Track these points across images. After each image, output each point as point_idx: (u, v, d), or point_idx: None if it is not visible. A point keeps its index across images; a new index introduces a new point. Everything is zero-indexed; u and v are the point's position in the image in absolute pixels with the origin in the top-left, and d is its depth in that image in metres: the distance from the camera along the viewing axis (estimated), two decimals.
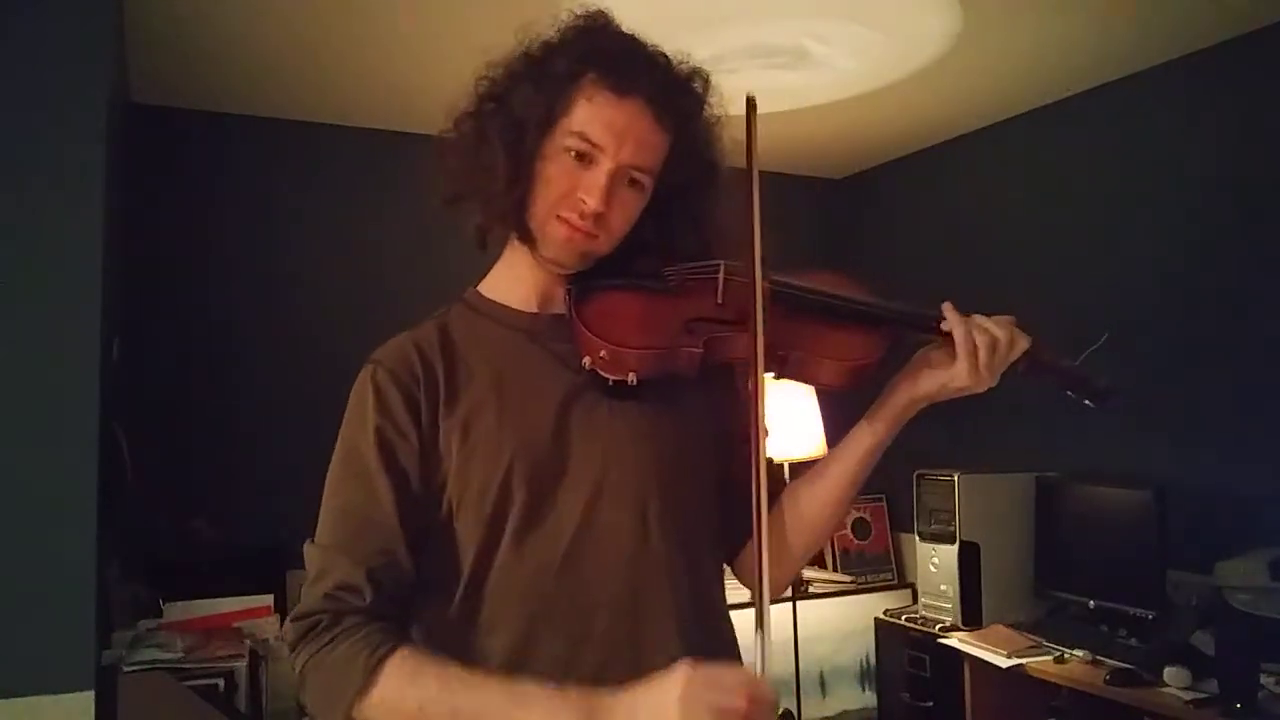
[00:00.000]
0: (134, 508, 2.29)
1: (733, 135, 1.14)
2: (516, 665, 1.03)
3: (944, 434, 2.44)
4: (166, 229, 2.98)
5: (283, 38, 2.59)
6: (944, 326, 1.09)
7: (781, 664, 3.11)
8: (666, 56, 1.11)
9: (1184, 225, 2.78)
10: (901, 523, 3.54)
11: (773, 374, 1.10)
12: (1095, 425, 2.79)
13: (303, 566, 1.07)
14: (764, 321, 1.04)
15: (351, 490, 1.06)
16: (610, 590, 1.06)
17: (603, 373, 1.08)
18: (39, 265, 1.81)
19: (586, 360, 1.08)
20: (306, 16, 2.46)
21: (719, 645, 1.14)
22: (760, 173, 1.16)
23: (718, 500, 1.17)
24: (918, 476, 3.05)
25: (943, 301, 1.12)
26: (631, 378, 1.07)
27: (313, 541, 1.07)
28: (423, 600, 1.08)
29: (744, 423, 1.16)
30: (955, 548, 2.92)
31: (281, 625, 2.31)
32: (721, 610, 1.17)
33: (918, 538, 3.09)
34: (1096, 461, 2.88)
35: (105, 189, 1.88)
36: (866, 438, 1.13)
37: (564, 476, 1.07)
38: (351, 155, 3.27)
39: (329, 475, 1.09)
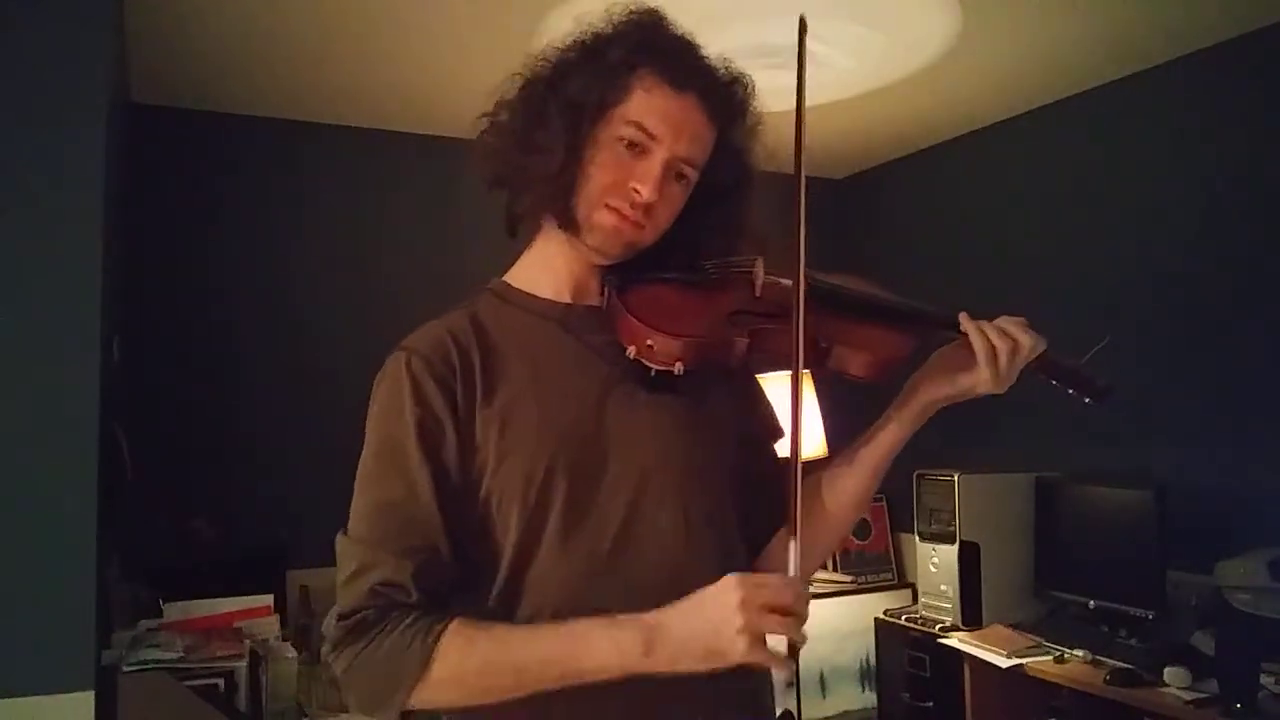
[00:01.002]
0: (134, 508, 2.30)
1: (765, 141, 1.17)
2: None
3: (944, 434, 2.43)
4: (166, 229, 2.99)
5: (283, 38, 2.59)
6: (962, 328, 1.10)
7: None
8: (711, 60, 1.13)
9: (1184, 225, 2.78)
10: (901, 523, 3.54)
11: (814, 366, 1.11)
12: (1095, 425, 2.79)
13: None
14: (803, 316, 1.04)
15: (390, 483, 1.05)
16: (655, 585, 1.05)
17: (648, 362, 1.08)
18: (39, 265, 1.81)
19: (631, 350, 1.08)
20: (307, 16, 2.46)
21: None
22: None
23: (743, 498, 1.17)
24: (918, 476, 3.05)
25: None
26: (678, 367, 1.07)
27: (345, 534, 1.06)
28: (462, 589, 1.07)
29: (765, 422, 1.22)
30: (955, 548, 2.92)
31: (282, 626, 2.32)
32: None
33: (918, 538, 3.09)
34: (1096, 461, 2.88)
35: (105, 189, 1.88)
36: (887, 437, 1.14)
37: (605, 470, 1.07)
38: (351, 155, 3.28)
39: (362, 467, 1.08)
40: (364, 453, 1.08)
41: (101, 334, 1.87)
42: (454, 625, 0.99)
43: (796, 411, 1.02)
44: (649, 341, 1.07)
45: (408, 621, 0.99)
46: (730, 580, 0.93)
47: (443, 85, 2.94)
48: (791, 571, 0.96)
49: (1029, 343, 1.08)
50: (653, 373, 1.08)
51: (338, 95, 3.03)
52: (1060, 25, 2.58)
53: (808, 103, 1.16)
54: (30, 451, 1.77)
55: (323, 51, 2.70)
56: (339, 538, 1.06)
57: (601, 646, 0.96)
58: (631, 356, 1.08)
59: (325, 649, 1.03)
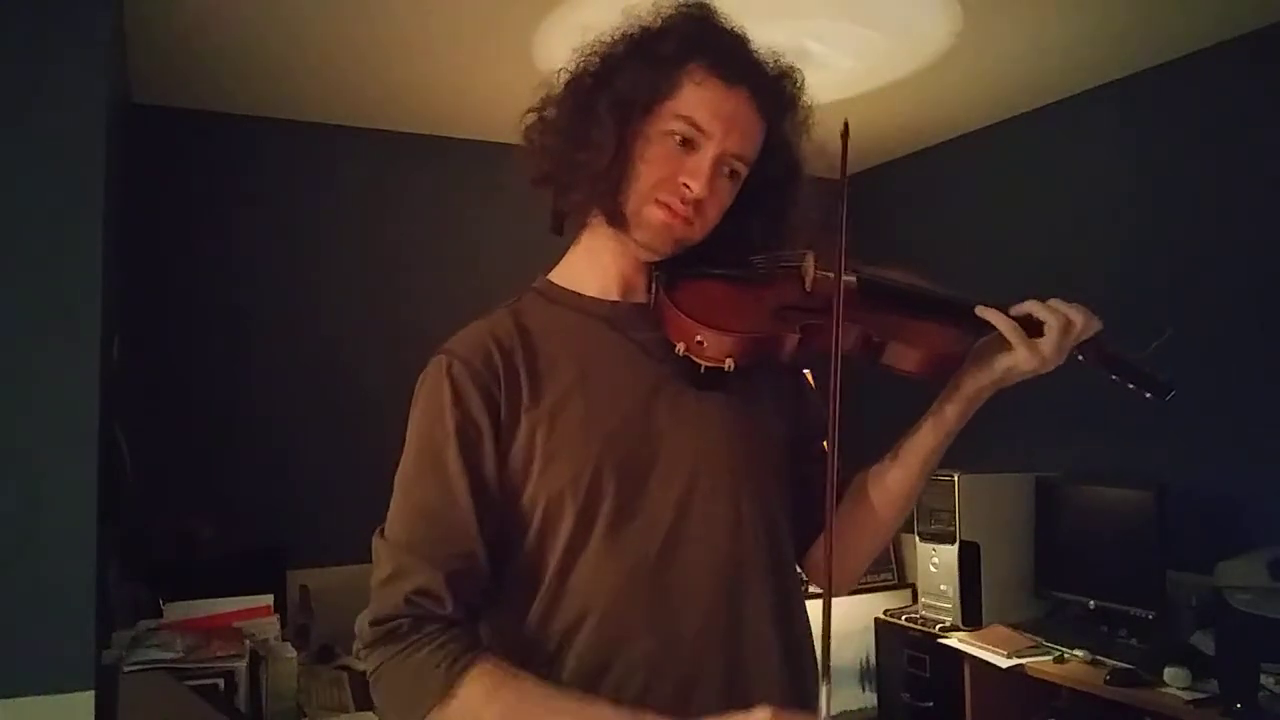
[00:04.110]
0: (134, 508, 2.29)
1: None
2: (603, 664, 1.02)
3: None
4: (167, 229, 2.99)
5: (283, 38, 2.59)
6: (1014, 311, 1.09)
7: None
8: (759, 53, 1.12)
9: (1185, 225, 2.79)
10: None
11: (866, 363, 1.09)
12: (1095, 425, 2.79)
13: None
14: (850, 311, 1.03)
15: (428, 489, 1.04)
16: (707, 585, 1.04)
17: (697, 359, 1.06)
18: (39, 265, 1.81)
19: (680, 347, 1.06)
20: (307, 16, 2.46)
21: (802, 642, 1.14)
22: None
23: (791, 497, 1.17)
24: None
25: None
26: (729, 364, 1.05)
27: (382, 536, 1.05)
28: (498, 596, 1.06)
29: (814, 419, 1.20)
30: (955, 548, 2.92)
31: (282, 626, 2.31)
32: (803, 608, 1.16)
33: (918, 538, 3.09)
34: (1096, 461, 2.88)
35: (105, 189, 1.88)
36: (932, 432, 1.13)
37: (655, 468, 1.05)
38: (351, 156, 3.28)
39: (401, 470, 1.06)
40: (404, 455, 1.07)
41: (101, 334, 1.87)
42: (481, 664, 0.97)
43: (834, 429, 1.00)
44: (699, 338, 1.05)
45: (439, 642, 0.98)
46: (765, 713, 0.90)
47: (445, 86, 2.94)
48: (823, 715, 0.95)
49: (1080, 319, 1.07)
50: (702, 370, 1.07)
51: (338, 95, 3.03)
52: (1060, 25, 2.58)
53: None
54: (30, 451, 1.77)
55: (322, 52, 2.70)
56: (375, 538, 1.05)
57: None
58: (680, 353, 1.06)
59: (356, 646, 1.03)
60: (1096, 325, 1.08)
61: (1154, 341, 1.17)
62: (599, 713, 0.95)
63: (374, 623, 1.00)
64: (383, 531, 1.05)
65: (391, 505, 1.06)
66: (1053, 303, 1.08)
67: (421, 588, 1.00)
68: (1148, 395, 1.16)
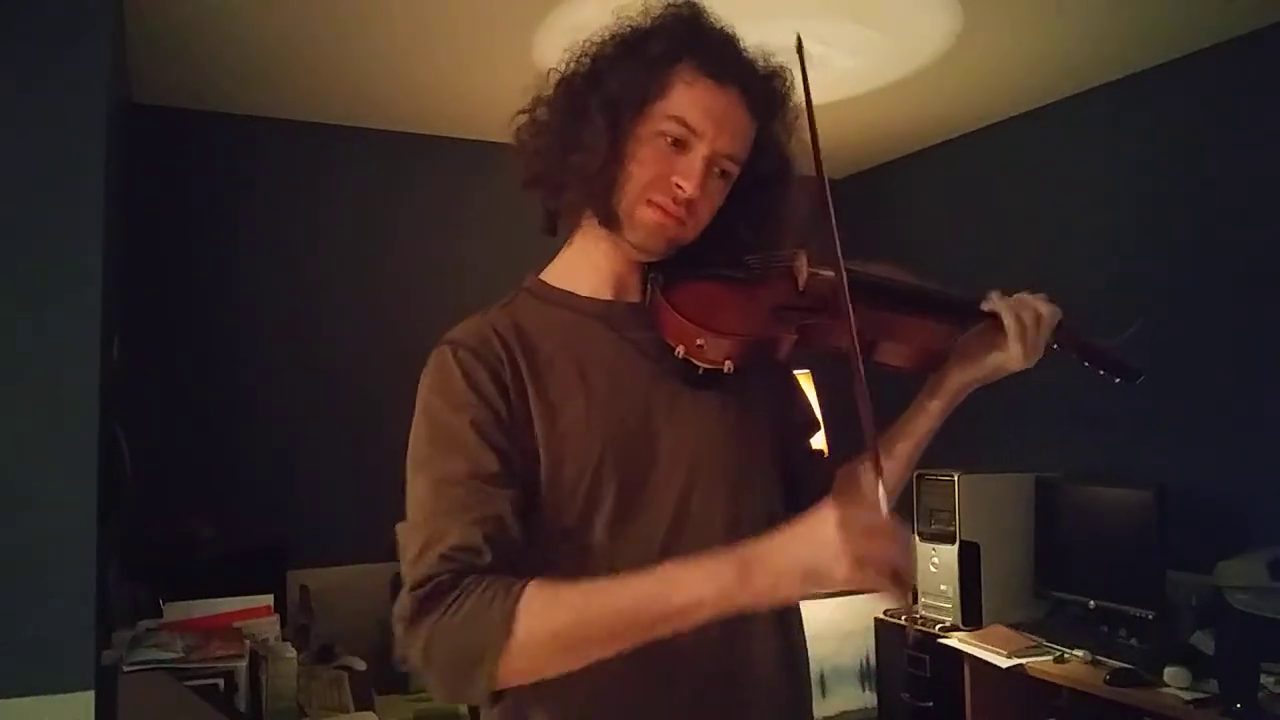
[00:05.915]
0: (134, 508, 2.29)
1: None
2: (604, 662, 0.98)
3: (944, 434, 2.44)
4: (166, 229, 2.99)
5: (283, 38, 2.59)
6: (985, 307, 1.12)
7: None
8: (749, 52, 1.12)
9: (1184, 225, 2.79)
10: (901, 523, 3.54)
11: (860, 359, 1.07)
12: (1095, 425, 2.79)
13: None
14: (850, 310, 1.03)
15: (450, 462, 1.00)
16: None
17: (696, 361, 1.06)
18: (39, 265, 1.81)
19: (680, 349, 1.06)
20: (307, 17, 2.46)
21: (798, 644, 1.14)
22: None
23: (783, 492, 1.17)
24: (917, 476, 3.05)
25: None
26: (728, 365, 1.05)
27: (404, 522, 1.01)
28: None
29: (803, 416, 1.23)
30: (955, 548, 2.92)
31: (282, 626, 2.31)
32: (798, 611, 1.16)
33: (918, 538, 3.08)
34: (1096, 461, 2.88)
35: (105, 189, 1.88)
36: (919, 426, 1.15)
37: (654, 468, 1.05)
38: (352, 156, 3.28)
39: (415, 454, 1.03)
40: (414, 444, 1.04)
41: (102, 334, 1.87)
42: (534, 583, 0.93)
43: (868, 415, 0.98)
44: (699, 341, 1.05)
45: (485, 584, 0.93)
46: (827, 505, 0.89)
47: (445, 86, 2.94)
48: (883, 507, 0.92)
49: (1048, 311, 1.11)
50: (700, 371, 1.07)
51: (338, 96, 3.03)
52: (1060, 25, 2.58)
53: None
54: (30, 451, 1.77)
55: (322, 52, 2.70)
56: (399, 526, 1.02)
57: (695, 578, 0.90)
58: (680, 356, 1.06)
59: (398, 631, 0.96)
60: (1059, 314, 1.14)
61: (1125, 331, 1.22)
62: (666, 572, 0.92)
63: (411, 589, 0.95)
64: (405, 520, 1.02)
65: (409, 491, 1.03)
66: (1019, 298, 1.12)
67: (457, 544, 0.95)
68: (1117, 380, 1.21)
